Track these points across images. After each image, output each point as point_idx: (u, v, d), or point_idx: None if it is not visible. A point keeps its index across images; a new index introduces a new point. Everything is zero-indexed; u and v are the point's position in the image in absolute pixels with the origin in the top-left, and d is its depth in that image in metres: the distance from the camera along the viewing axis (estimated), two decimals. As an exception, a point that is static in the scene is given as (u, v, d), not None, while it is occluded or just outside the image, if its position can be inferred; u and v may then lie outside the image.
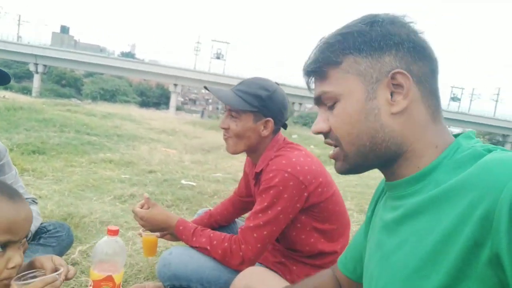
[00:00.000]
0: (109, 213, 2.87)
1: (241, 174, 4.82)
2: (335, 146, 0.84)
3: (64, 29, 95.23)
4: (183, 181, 4.08)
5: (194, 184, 4.03)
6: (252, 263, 1.55)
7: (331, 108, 0.83)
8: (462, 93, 65.06)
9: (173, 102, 47.64)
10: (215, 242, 1.59)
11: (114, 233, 1.56)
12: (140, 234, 1.81)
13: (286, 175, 1.51)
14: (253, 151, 1.69)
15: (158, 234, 1.79)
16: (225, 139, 1.68)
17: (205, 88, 1.71)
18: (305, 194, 1.53)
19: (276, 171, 1.52)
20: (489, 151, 0.71)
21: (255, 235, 1.53)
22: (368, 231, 1.00)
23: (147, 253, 1.85)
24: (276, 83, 1.70)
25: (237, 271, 1.51)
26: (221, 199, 3.65)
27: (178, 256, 1.64)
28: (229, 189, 3.92)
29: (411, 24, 0.80)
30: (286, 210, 1.52)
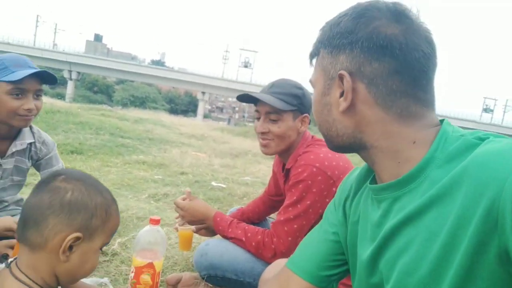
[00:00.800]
0: (144, 209, 2.98)
1: (269, 178, 4.89)
2: None
3: (98, 37, 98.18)
4: (213, 183, 4.18)
5: (224, 186, 4.13)
6: (284, 256, 1.58)
7: None
8: (495, 104, 63.18)
9: (200, 109, 48.19)
10: (249, 234, 1.66)
11: (156, 222, 1.64)
12: (176, 229, 1.89)
13: (314, 169, 1.56)
14: (286, 150, 1.75)
15: (193, 228, 1.87)
16: (265, 143, 1.72)
17: (240, 97, 1.78)
18: (334, 189, 1.57)
19: (304, 166, 1.58)
20: (481, 139, 0.69)
21: (285, 228, 1.59)
22: (339, 233, 0.97)
23: (182, 247, 1.92)
24: None
25: (269, 263, 1.58)
26: (251, 200, 3.72)
27: (215, 247, 1.73)
28: (258, 192, 3.99)
29: (394, 17, 0.75)
30: (315, 204, 1.57)
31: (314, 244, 1.01)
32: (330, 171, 1.57)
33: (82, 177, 1.02)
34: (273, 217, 2.36)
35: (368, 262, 0.83)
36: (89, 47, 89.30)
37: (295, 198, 1.59)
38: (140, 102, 40.93)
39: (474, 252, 0.61)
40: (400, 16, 0.75)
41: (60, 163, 2.00)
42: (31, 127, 1.85)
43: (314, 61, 0.87)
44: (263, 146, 1.74)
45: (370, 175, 0.90)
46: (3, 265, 1.01)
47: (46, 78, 1.69)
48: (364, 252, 0.84)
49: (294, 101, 1.66)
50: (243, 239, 1.66)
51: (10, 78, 1.57)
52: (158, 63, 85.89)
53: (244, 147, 7.48)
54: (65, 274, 0.97)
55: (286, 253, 1.60)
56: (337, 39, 0.78)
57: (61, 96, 33.29)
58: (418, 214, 0.71)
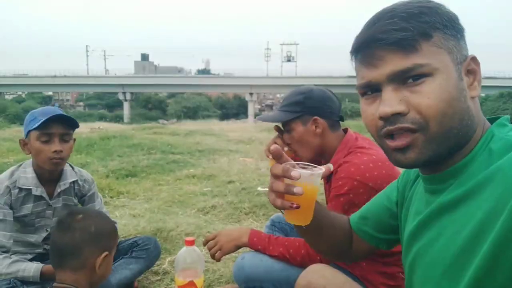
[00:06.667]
0: (193, 225, 3.12)
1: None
2: (413, 132, 0.74)
3: (144, 57, 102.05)
4: (259, 188, 4.26)
5: (270, 190, 4.18)
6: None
7: (414, 84, 0.74)
8: None
9: (251, 110, 48.53)
10: (291, 250, 1.70)
11: (191, 243, 1.75)
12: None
13: (355, 183, 1.52)
14: (321, 155, 1.76)
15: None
16: (295, 153, 1.79)
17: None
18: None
19: (345, 179, 1.55)
20: None
21: None
22: (398, 204, 1.03)
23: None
24: (315, 85, 1.81)
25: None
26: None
27: (250, 260, 1.80)
28: (304, 192, 4.02)
29: None
30: None
31: (376, 206, 1.14)
32: (372, 182, 1.52)
33: (94, 213, 1.54)
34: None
35: (406, 244, 0.90)
36: (138, 67, 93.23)
37: (338, 211, 1.55)
38: (193, 112, 41.98)
39: (499, 248, 0.64)
40: None
41: (99, 198, 2.18)
42: (72, 167, 2.04)
43: (422, 44, 0.73)
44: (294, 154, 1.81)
45: None
46: None
47: (71, 122, 1.87)
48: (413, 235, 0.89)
49: (297, 107, 1.71)
50: (287, 256, 1.70)
51: (36, 125, 1.77)
52: (204, 72, 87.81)
53: (291, 146, 7.46)
54: (99, 280, 1.43)
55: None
56: (456, 24, 0.77)
57: (119, 118, 35.09)
58: (451, 207, 0.75)
